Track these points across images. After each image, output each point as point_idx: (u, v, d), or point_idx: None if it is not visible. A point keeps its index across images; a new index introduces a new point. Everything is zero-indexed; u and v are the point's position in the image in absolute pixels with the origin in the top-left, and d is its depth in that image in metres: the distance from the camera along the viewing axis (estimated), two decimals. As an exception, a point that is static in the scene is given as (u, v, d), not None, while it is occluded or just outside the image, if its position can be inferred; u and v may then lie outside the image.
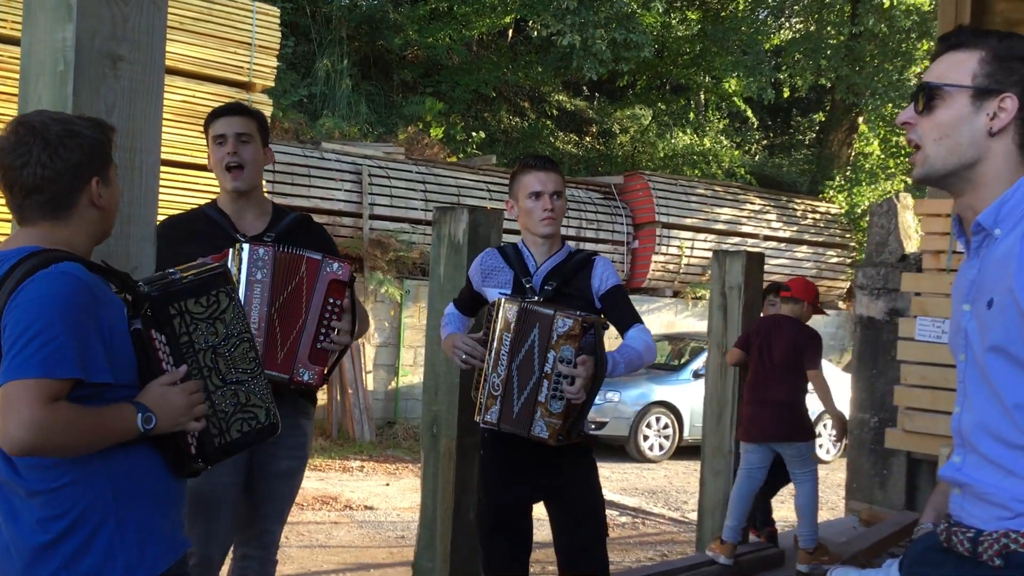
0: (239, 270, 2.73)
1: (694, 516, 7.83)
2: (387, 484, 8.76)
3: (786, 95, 19.23)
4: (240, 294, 2.66)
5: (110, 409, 1.84)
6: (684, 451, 11.19)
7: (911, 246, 6.53)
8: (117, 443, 1.86)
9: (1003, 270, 1.56)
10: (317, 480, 8.50)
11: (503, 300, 2.98)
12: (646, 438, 11.05)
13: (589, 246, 12.83)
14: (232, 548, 3.00)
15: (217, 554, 2.87)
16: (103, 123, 1.99)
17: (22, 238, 1.93)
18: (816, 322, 15.51)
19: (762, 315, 5.54)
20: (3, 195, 1.93)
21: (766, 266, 5.95)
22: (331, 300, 2.88)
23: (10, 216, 1.97)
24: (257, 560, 2.99)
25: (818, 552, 5.11)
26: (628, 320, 3.11)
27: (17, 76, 8.19)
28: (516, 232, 3.29)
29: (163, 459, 1.95)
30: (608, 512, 3.26)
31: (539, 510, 3.25)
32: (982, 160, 1.61)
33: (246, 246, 2.76)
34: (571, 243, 3.37)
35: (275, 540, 3.02)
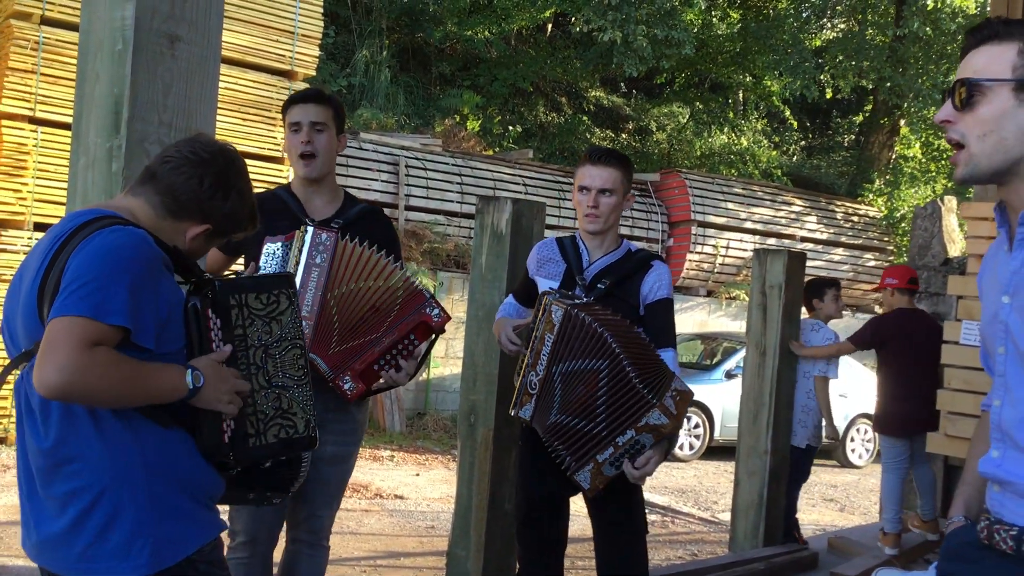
0: (300, 251, 2.73)
1: (724, 516, 7.79)
2: (417, 474, 8.79)
3: (828, 96, 19.03)
4: (297, 277, 2.67)
5: (157, 364, 1.83)
6: (714, 451, 11.13)
7: (954, 250, 6.45)
8: (159, 404, 1.84)
9: None
10: (348, 468, 8.54)
11: (551, 299, 2.91)
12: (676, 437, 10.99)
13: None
14: (284, 533, 3.01)
15: (263, 533, 2.88)
16: (257, 214, 2.10)
17: (116, 203, 1.97)
18: (851, 326, 15.39)
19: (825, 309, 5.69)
20: (154, 155, 2.02)
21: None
22: (411, 336, 2.86)
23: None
24: (307, 544, 2.99)
25: (931, 524, 5.47)
26: (663, 340, 3.02)
27: (66, 59, 8.29)
28: (556, 227, 3.26)
29: (197, 442, 1.93)
30: (645, 513, 3.24)
31: (577, 506, 3.24)
32: None
33: (310, 228, 2.76)
34: (631, 248, 3.25)
35: (324, 525, 3.01)
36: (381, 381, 2.87)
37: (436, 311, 2.88)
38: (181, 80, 2.32)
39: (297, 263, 2.72)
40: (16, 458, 1.96)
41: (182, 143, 2.00)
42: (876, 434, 5.72)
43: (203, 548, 1.90)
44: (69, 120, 5.90)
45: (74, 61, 2.38)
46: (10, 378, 1.96)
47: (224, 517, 2.06)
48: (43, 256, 1.85)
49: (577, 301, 2.93)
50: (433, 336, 2.92)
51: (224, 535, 2.01)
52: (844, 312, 14.34)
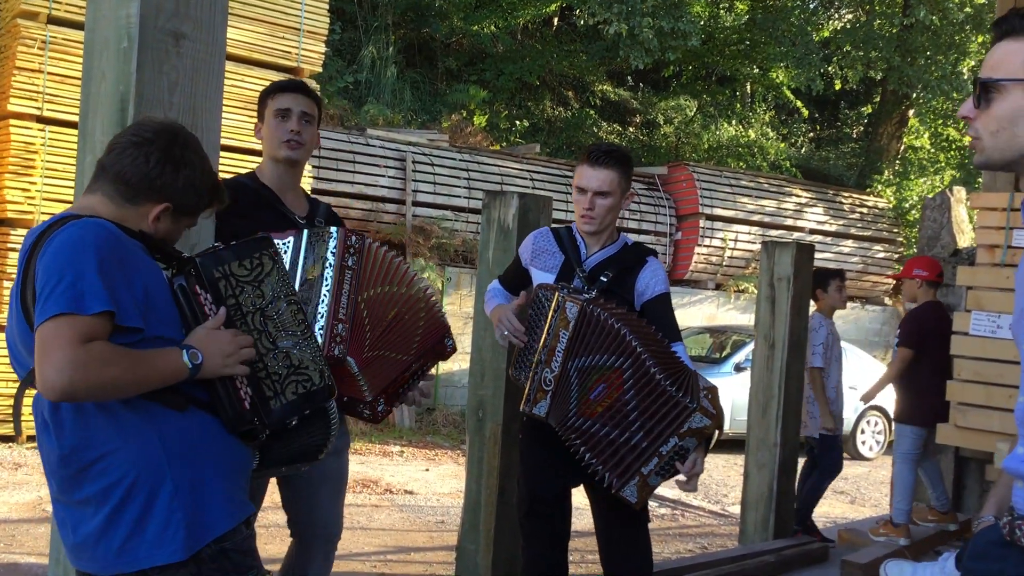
0: (325, 252, 2.72)
1: (734, 509, 7.79)
2: (427, 469, 8.80)
3: (837, 87, 18.96)
4: (329, 277, 2.66)
5: (153, 350, 1.85)
6: (724, 444, 11.10)
7: (964, 240, 6.42)
8: (165, 390, 1.86)
9: None
10: (358, 463, 8.56)
11: (563, 295, 2.89)
12: (686, 430, 10.97)
13: (631, 237, 12.78)
14: (293, 543, 3.00)
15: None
16: (222, 188, 2.08)
17: (77, 204, 1.98)
18: (860, 318, 15.24)
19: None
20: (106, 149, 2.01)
21: (810, 260, 5.93)
22: (427, 364, 2.90)
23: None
24: (322, 551, 2.98)
25: (950, 515, 5.64)
26: (670, 335, 3.02)
27: (73, 58, 8.30)
28: (563, 221, 3.25)
29: (220, 418, 1.94)
30: (647, 503, 3.24)
31: (582, 499, 3.24)
32: None
33: (336, 230, 2.74)
34: (627, 242, 3.27)
35: (339, 524, 3.01)
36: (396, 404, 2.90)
37: (451, 342, 2.94)
38: (187, 77, 2.32)
39: (324, 264, 2.69)
40: (44, 470, 1.99)
41: (126, 129, 2.01)
42: (895, 425, 5.69)
43: (235, 530, 1.92)
44: (76, 119, 5.91)
45: (81, 60, 2.39)
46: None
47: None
48: (20, 273, 1.87)
49: (587, 296, 2.93)
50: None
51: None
52: (854, 304, 14.35)
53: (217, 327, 1.94)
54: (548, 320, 2.91)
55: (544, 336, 2.92)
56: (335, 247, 2.69)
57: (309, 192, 3.37)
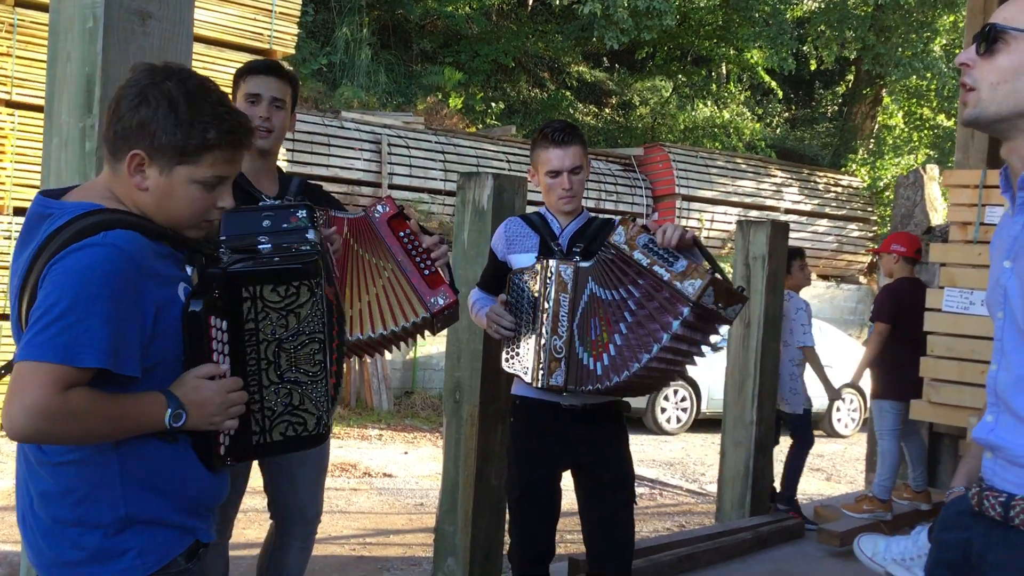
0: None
1: (711, 488, 7.84)
2: (405, 452, 8.81)
3: (812, 67, 19.01)
4: None
5: (136, 399, 1.67)
6: (701, 424, 11.19)
7: (937, 218, 6.47)
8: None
9: None
10: (336, 447, 8.54)
11: (552, 263, 2.90)
12: (664, 410, 11.04)
13: (605, 217, 12.80)
14: (273, 526, 3.00)
15: (232, 512, 2.87)
16: (227, 125, 1.74)
17: (93, 183, 1.81)
18: (836, 296, 15.27)
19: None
20: None
21: (786, 239, 5.95)
22: (402, 233, 2.82)
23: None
24: (300, 538, 2.97)
25: (924, 495, 5.73)
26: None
27: (41, 41, 8.20)
28: (540, 202, 3.24)
29: (194, 451, 1.79)
30: (633, 487, 3.25)
31: (564, 481, 3.25)
32: None
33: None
34: (590, 215, 3.29)
35: (317, 514, 3.00)
36: (445, 272, 2.85)
37: (380, 207, 2.83)
38: (154, 57, 2.27)
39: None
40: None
41: None
42: (875, 402, 5.72)
43: (178, 559, 1.76)
44: (45, 102, 5.82)
45: (47, 42, 2.35)
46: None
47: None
48: (25, 262, 1.69)
49: (576, 259, 2.93)
50: (408, 218, 2.87)
51: None
52: (829, 283, 14.47)
53: (210, 376, 1.74)
54: (544, 290, 2.90)
55: (538, 306, 2.90)
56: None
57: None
